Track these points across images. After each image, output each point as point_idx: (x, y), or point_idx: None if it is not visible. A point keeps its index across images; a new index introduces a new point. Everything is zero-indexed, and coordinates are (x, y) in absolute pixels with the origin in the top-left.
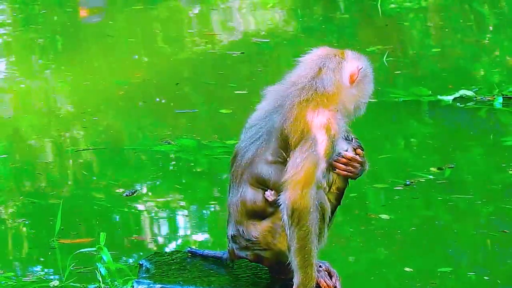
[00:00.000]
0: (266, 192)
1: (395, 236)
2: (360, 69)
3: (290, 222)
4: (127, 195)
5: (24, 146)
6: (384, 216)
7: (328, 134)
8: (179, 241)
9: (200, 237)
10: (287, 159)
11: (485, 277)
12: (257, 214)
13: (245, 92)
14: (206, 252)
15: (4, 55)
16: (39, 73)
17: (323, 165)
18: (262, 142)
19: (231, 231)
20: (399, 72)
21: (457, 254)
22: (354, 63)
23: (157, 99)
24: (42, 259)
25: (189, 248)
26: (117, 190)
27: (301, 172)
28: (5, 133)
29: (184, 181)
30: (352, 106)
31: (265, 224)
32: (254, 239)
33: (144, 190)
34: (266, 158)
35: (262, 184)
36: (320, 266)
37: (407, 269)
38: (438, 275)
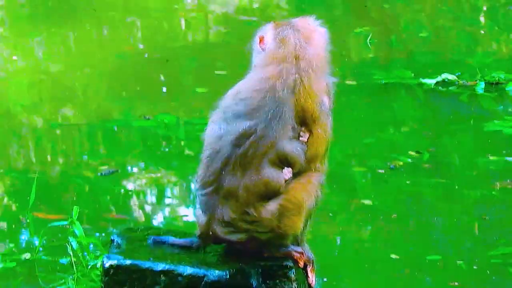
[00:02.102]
0: (283, 170)
1: (379, 222)
2: (325, 32)
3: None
4: (104, 174)
5: (7, 117)
6: (366, 202)
7: (329, 96)
8: (158, 219)
9: (180, 215)
10: (301, 132)
11: (474, 266)
12: (270, 195)
13: (224, 72)
14: (171, 240)
15: None
16: (27, 44)
17: None
18: (282, 122)
19: (228, 213)
20: (383, 54)
21: (443, 241)
22: (320, 28)
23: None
24: (15, 232)
25: (153, 237)
26: (97, 167)
27: (329, 138)
28: None
29: (164, 158)
30: (327, 68)
31: (274, 206)
32: (262, 221)
33: (125, 168)
34: (289, 136)
35: (284, 162)
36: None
37: (393, 256)
38: (427, 263)
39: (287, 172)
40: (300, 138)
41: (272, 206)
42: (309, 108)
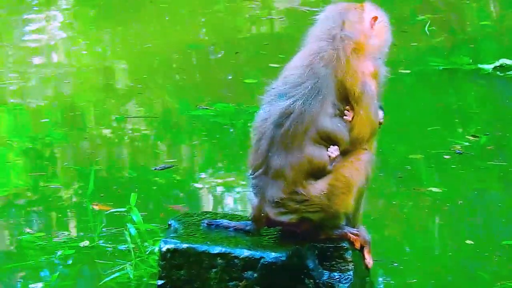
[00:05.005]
0: (329, 148)
1: (446, 209)
2: (377, 19)
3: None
4: (158, 169)
5: (75, 110)
6: (434, 189)
7: (378, 81)
8: (213, 208)
9: (237, 205)
10: (345, 110)
11: None
12: (317, 173)
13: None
14: (226, 223)
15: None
16: (96, 36)
17: None
18: (320, 98)
19: (277, 194)
20: (441, 41)
21: None
22: (372, 13)
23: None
24: (74, 220)
25: (206, 221)
26: (156, 161)
27: (374, 122)
28: (55, 93)
29: (224, 148)
30: (378, 54)
31: (323, 184)
32: (311, 200)
33: (182, 159)
34: (328, 112)
35: (325, 139)
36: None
37: (468, 241)
38: (503, 248)
39: (334, 150)
40: (344, 117)
41: (320, 185)
42: (348, 85)
